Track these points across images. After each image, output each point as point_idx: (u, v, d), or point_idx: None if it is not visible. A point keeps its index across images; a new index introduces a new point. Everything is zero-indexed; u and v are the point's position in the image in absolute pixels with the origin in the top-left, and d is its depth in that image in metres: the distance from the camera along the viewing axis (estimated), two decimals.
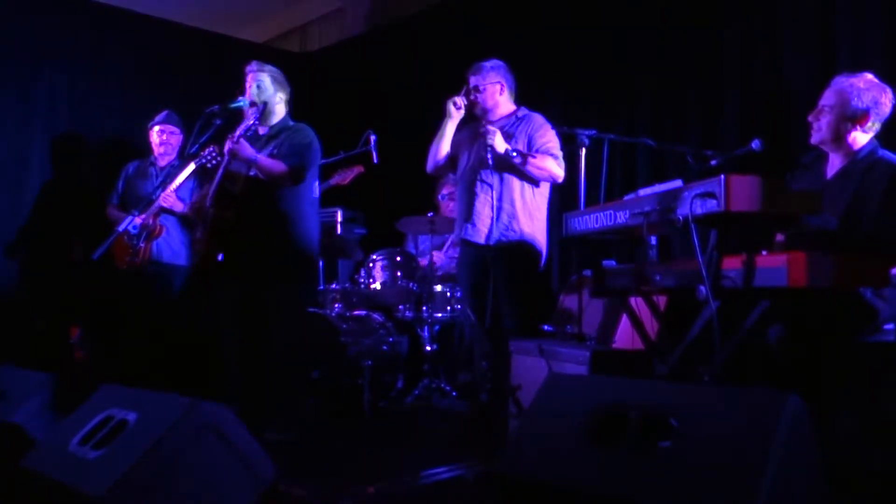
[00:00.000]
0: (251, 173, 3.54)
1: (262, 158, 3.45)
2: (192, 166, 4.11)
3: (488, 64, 3.76)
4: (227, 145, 3.42)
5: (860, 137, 2.77)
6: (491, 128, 3.55)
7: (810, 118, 2.84)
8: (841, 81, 2.79)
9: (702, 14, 4.38)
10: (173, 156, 4.65)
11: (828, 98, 2.79)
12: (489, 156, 3.50)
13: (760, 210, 2.18)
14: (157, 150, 4.64)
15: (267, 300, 3.51)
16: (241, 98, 3.63)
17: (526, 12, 5.25)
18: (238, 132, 3.47)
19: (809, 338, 2.47)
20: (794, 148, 3.71)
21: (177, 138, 4.64)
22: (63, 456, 2.10)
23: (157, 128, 4.63)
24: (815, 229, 2.66)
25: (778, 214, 2.26)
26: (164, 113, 4.67)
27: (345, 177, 4.80)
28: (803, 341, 2.46)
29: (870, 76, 2.80)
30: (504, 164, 3.61)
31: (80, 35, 5.46)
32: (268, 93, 3.63)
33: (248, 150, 3.41)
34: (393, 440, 3.68)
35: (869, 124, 2.75)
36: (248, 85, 3.68)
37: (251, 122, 3.54)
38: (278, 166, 3.45)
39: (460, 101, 3.71)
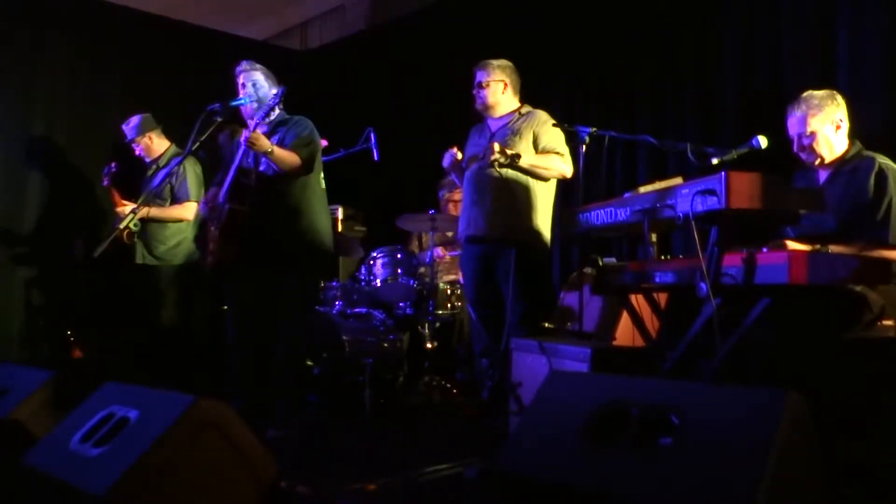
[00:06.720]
0: (261, 168, 3.55)
1: (278, 150, 3.45)
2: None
3: (496, 62, 3.80)
4: (244, 134, 3.41)
5: (842, 143, 2.87)
6: (494, 145, 3.52)
7: (798, 149, 2.90)
8: (801, 107, 2.86)
9: (702, 13, 4.37)
10: (161, 150, 4.69)
11: (805, 124, 2.85)
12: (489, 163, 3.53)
13: (761, 207, 2.18)
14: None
15: (282, 292, 3.53)
16: (242, 96, 3.63)
17: (526, 10, 5.25)
18: (254, 123, 3.46)
19: (809, 335, 2.47)
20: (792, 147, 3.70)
21: (147, 141, 4.65)
22: (64, 454, 2.09)
23: (130, 145, 4.67)
24: (810, 233, 2.70)
25: (778, 211, 2.26)
26: (126, 129, 4.65)
27: None
28: (803, 338, 2.47)
29: (812, 91, 2.90)
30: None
31: (79, 34, 5.45)
32: (264, 89, 3.63)
33: (264, 140, 3.41)
34: (394, 437, 3.69)
35: (845, 127, 2.86)
36: (240, 84, 3.67)
37: (262, 114, 3.51)
38: (293, 157, 3.46)
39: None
